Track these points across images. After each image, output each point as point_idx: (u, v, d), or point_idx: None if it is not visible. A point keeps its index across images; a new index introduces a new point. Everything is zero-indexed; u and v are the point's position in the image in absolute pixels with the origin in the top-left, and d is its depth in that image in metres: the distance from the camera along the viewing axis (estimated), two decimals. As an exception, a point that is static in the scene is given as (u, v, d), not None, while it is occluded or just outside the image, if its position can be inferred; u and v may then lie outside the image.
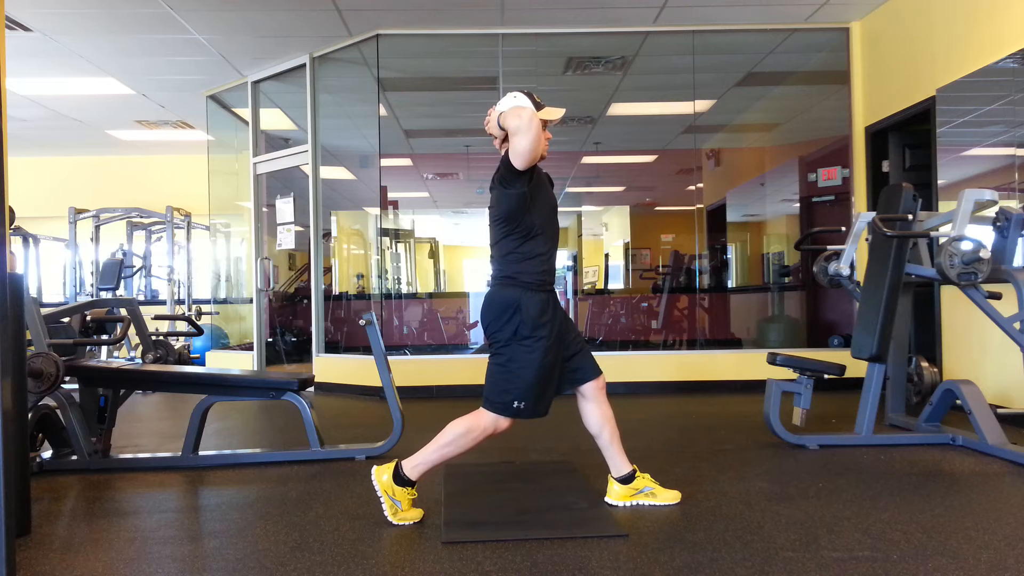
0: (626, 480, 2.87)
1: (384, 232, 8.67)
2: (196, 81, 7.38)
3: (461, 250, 14.89)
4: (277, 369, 7.41)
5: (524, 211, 2.62)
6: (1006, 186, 4.41)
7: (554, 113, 2.67)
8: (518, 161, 2.53)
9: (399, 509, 2.67)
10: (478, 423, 2.67)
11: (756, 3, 5.81)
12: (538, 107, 2.64)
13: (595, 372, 2.87)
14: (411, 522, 2.69)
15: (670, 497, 2.89)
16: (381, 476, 2.68)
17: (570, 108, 8.19)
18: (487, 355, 2.75)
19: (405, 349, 7.27)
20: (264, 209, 7.41)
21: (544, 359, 2.63)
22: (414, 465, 2.68)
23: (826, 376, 3.95)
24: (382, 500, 2.68)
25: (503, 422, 2.67)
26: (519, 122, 2.48)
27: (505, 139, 2.64)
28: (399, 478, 2.67)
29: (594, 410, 2.86)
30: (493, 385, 2.67)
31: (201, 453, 3.81)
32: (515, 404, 2.62)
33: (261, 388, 3.85)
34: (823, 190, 6.71)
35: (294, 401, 3.75)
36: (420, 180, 10.77)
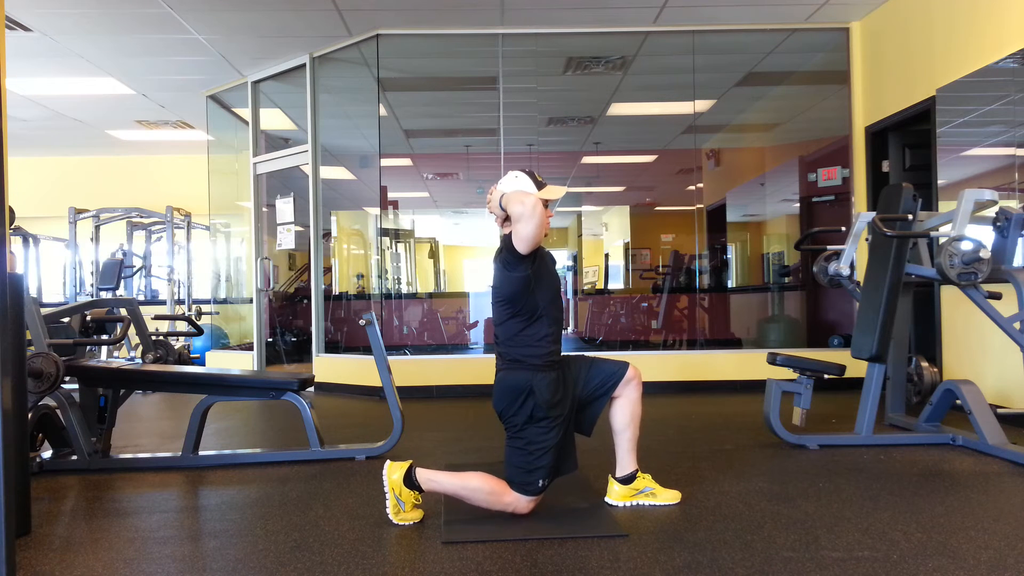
0: (627, 480, 2.88)
1: (384, 232, 8.67)
2: (196, 81, 7.38)
3: (461, 250, 14.89)
4: (277, 369, 7.41)
5: (528, 293, 2.62)
6: (1006, 186, 4.41)
7: (556, 192, 2.68)
8: (521, 247, 2.54)
9: (402, 509, 2.67)
10: (503, 496, 2.66)
11: (756, 3, 5.81)
12: (539, 186, 2.64)
13: (619, 373, 2.84)
14: (411, 522, 2.69)
15: (670, 497, 2.89)
16: (392, 474, 2.69)
17: (570, 108, 8.22)
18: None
19: (405, 349, 7.27)
20: (264, 209, 7.41)
21: (562, 435, 2.65)
22: (429, 479, 2.69)
23: (826, 376, 3.95)
24: (387, 497, 2.68)
25: (524, 506, 2.67)
26: (523, 209, 2.49)
27: (507, 219, 2.64)
28: (409, 481, 2.67)
29: (624, 407, 2.86)
30: (516, 469, 2.66)
31: (201, 453, 3.81)
32: (541, 483, 2.64)
33: (261, 388, 3.85)
34: (823, 190, 6.71)
35: (294, 401, 3.75)
36: (420, 180, 10.77)
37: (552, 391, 2.63)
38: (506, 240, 2.63)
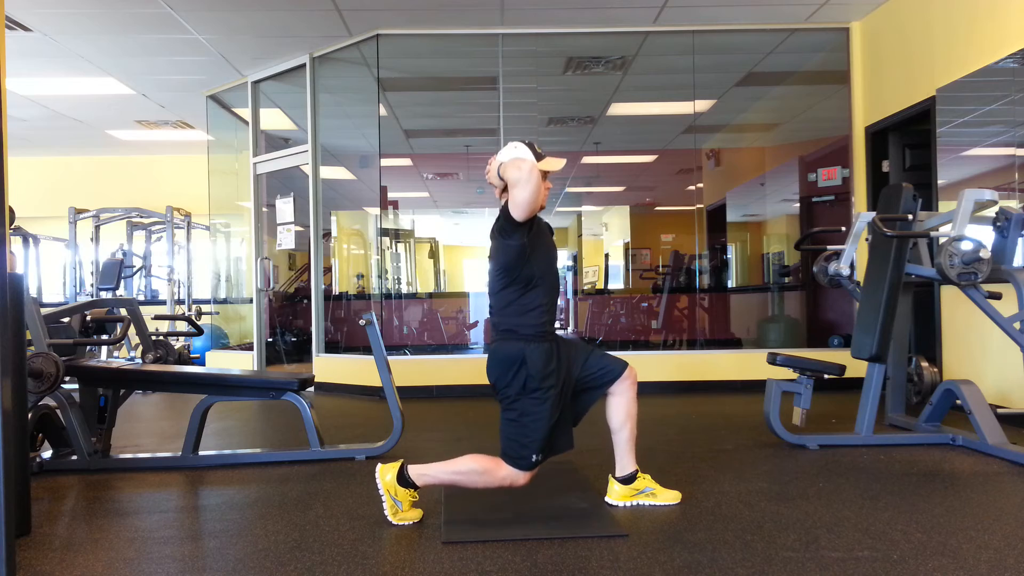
0: (627, 480, 2.88)
1: (384, 232, 8.67)
2: (196, 81, 7.37)
3: (461, 250, 14.89)
4: (277, 369, 7.41)
5: (523, 262, 2.61)
6: (1006, 186, 4.41)
7: (554, 164, 2.66)
8: (517, 213, 2.52)
9: (399, 509, 2.67)
10: (497, 471, 2.65)
11: (756, 3, 5.80)
12: (538, 158, 2.63)
13: (618, 368, 2.85)
14: (411, 522, 2.69)
15: (670, 497, 2.89)
16: (385, 475, 2.68)
17: (570, 108, 8.22)
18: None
19: (405, 349, 7.27)
20: (264, 209, 7.41)
21: (555, 406, 2.63)
22: (421, 474, 2.68)
23: (826, 376, 3.94)
24: (383, 499, 2.68)
25: (521, 478, 2.66)
26: (519, 174, 2.48)
27: (505, 189, 2.63)
28: (403, 479, 2.67)
29: (620, 405, 2.86)
30: (509, 440, 2.65)
31: (201, 453, 3.81)
32: (534, 457, 2.62)
33: (261, 388, 3.85)
34: (823, 190, 6.71)
35: (294, 401, 3.75)
36: (420, 180, 10.77)
37: (544, 361, 2.61)
38: (503, 208, 2.62)
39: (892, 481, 3.19)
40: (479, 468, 2.65)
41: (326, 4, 5.63)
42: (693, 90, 6.96)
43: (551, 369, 2.63)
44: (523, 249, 2.59)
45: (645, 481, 2.89)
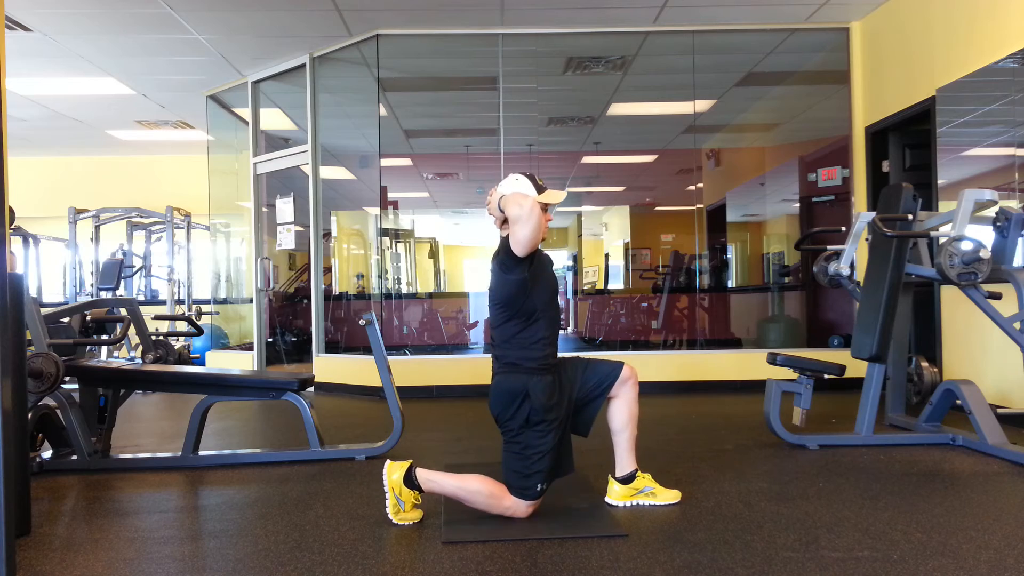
0: (627, 480, 2.88)
1: (384, 232, 8.67)
2: (196, 81, 7.38)
3: (461, 250, 14.90)
4: (277, 369, 7.41)
5: (524, 296, 2.60)
6: (1006, 186, 4.41)
7: (555, 196, 2.65)
8: (518, 249, 2.51)
9: (401, 509, 2.67)
10: (503, 500, 2.65)
11: (756, 3, 5.80)
12: (540, 190, 2.62)
13: (614, 373, 2.82)
14: (411, 523, 2.69)
15: (670, 497, 2.89)
16: (392, 474, 2.68)
17: (570, 108, 8.22)
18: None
19: (405, 349, 7.27)
20: (264, 209, 7.41)
21: (558, 438, 2.63)
22: (429, 479, 2.68)
23: (826, 376, 3.94)
24: (387, 497, 2.68)
25: (523, 509, 2.65)
26: (520, 212, 2.46)
27: (505, 221, 2.62)
28: (410, 480, 2.67)
29: (622, 408, 2.84)
30: (513, 473, 2.65)
31: (201, 453, 3.81)
32: (539, 487, 2.63)
33: (261, 388, 3.85)
34: (823, 190, 6.71)
35: (294, 401, 3.75)
36: (420, 180, 10.77)
37: (548, 395, 2.61)
38: (503, 242, 2.62)
39: (892, 481, 3.19)
40: (486, 492, 2.66)
41: (326, 4, 5.63)
42: (693, 90, 6.96)
43: (554, 402, 2.63)
44: (524, 284, 2.59)
45: (645, 480, 2.89)
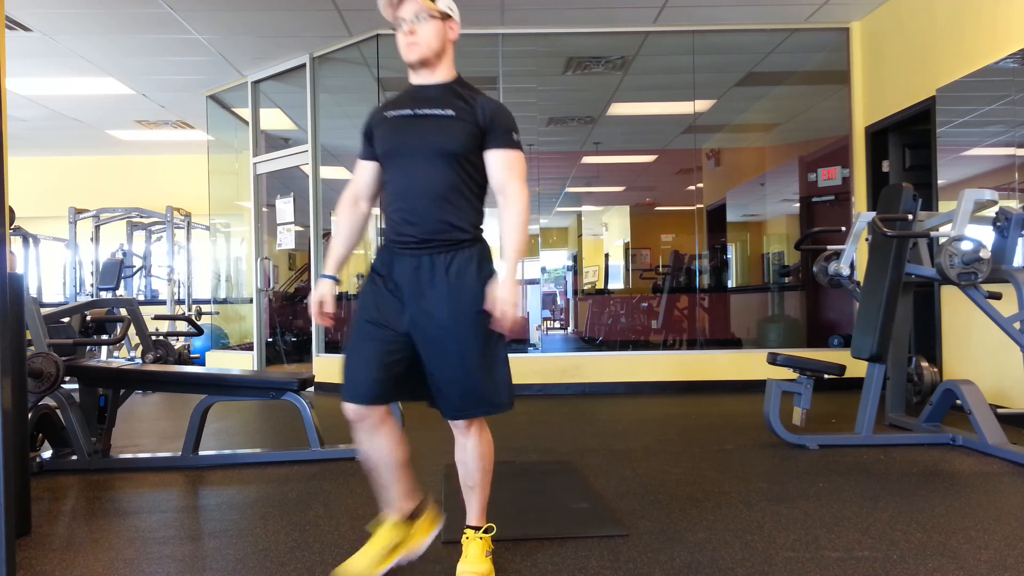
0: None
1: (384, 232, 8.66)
2: (196, 81, 7.37)
3: (461, 250, 14.84)
4: (277, 369, 7.40)
5: None
6: (1006, 186, 4.41)
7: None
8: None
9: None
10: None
11: (756, 3, 5.80)
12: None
13: (449, 411, 2.13)
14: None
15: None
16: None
17: (570, 108, 8.22)
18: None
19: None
20: (264, 209, 7.41)
21: (355, 343, 2.10)
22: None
23: (826, 376, 3.95)
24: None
25: (346, 407, 2.08)
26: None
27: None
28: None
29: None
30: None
31: (201, 453, 3.81)
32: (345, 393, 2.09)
33: (261, 388, 3.85)
34: (823, 190, 6.71)
35: (294, 401, 3.75)
36: (420, 180, 10.74)
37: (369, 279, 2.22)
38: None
39: (892, 481, 3.19)
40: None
41: (326, 4, 5.63)
42: (693, 90, 6.95)
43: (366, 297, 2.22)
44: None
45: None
